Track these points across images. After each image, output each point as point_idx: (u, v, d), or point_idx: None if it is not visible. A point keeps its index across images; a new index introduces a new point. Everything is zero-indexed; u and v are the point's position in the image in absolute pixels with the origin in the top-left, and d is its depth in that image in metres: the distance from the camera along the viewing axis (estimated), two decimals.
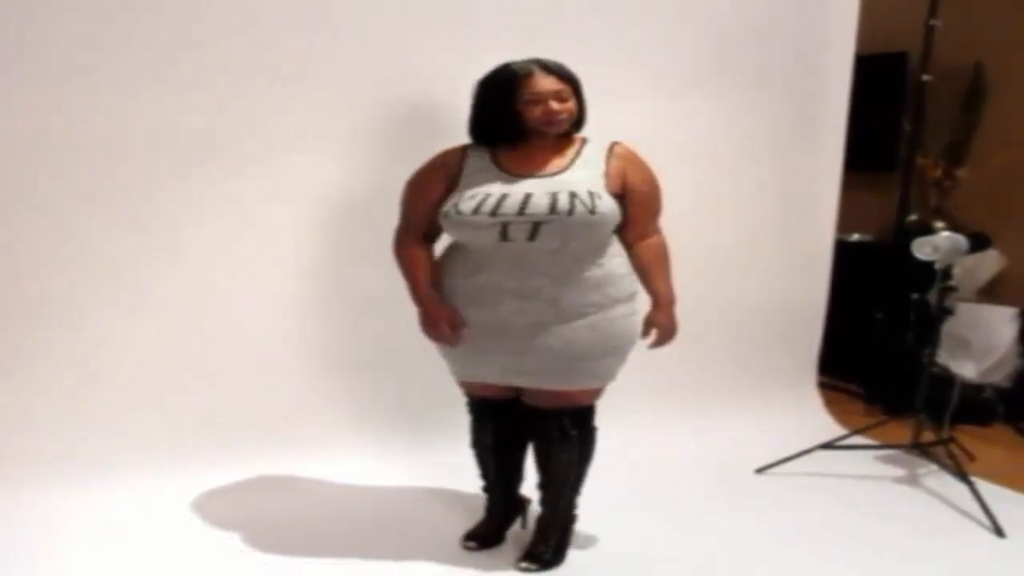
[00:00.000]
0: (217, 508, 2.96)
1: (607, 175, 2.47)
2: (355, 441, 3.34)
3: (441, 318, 2.52)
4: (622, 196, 2.48)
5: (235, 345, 3.18)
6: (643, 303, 2.60)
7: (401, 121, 3.21)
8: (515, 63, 2.45)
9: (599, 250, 2.47)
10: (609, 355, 2.52)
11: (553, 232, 2.38)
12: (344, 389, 3.37)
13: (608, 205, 2.41)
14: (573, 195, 2.38)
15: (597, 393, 2.60)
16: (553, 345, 2.45)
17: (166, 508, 2.92)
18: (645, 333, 2.57)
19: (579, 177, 2.44)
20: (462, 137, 2.57)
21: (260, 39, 3.03)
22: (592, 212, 2.37)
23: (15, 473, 2.90)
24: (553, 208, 2.36)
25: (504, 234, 2.40)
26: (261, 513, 2.94)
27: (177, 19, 2.92)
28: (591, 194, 2.39)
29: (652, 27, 3.57)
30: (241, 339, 3.18)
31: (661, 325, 2.57)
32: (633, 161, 2.52)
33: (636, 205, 2.50)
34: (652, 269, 2.55)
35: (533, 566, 2.66)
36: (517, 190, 2.42)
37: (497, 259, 2.44)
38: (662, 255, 2.57)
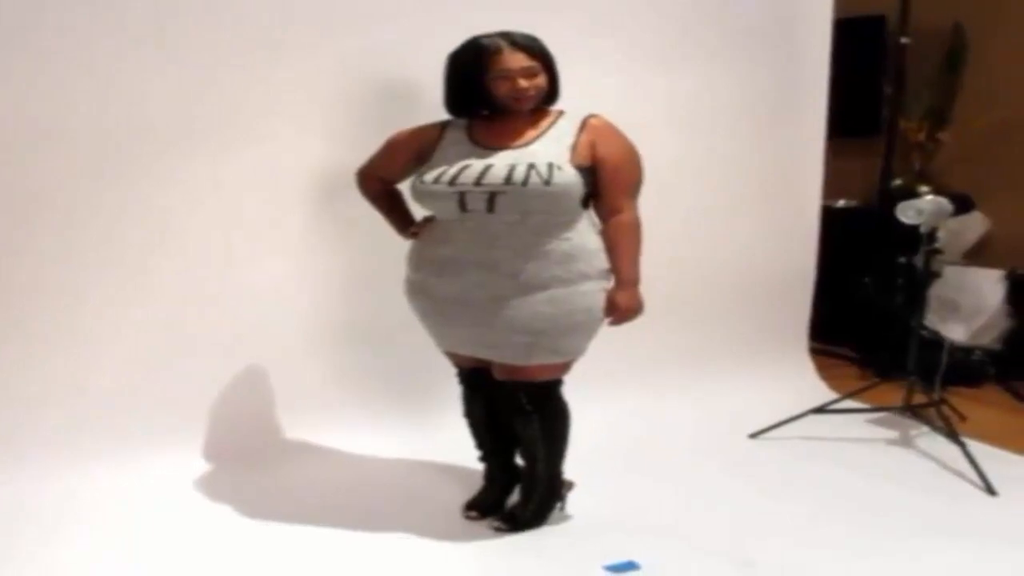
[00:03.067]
0: (217, 484, 2.98)
1: (575, 147, 2.45)
2: (352, 415, 3.33)
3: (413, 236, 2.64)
4: (592, 169, 2.46)
5: (230, 324, 3.17)
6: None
7: (385, 95, 3.19)
8: (484, 38, 2.44)
9: (565, 224, 2.45)
10: (571, 331, 2.48)
11: (509, 203, 2.38)
12: (340, 364, 3.36)
13: (567, 177, 2.38)
14: (531, 166, 2.37)
15: (558, 369, 2.57)
16: (512, 319, 2.43)
17: (167, 484, 2.94)
18: (606, 312, 2.52)
19: (544, 149, 2.43)
20: (444, 111, 2.57)
21: (240, 16, 3.02)
22: (547, 183, 2.35)
23: (21, 453, 2.92)
24: (509, 179, 2.36)
25: (463, 204, 2.41)
26: (262, 488, 2.96)
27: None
28: (550, 166, 2.37)
29: None
30: (236, 317, 3.18)
31: (618, 305, 2.50)
32: (604, 133, 2.49)
33: (604, 178, 2.47)
34: (617, 248, 2.50)
35: (505, 526, 2.70)
36: (480, 162, 2.42)
37: (461, 230, 2.46)
38: (629, 234, 2.50)
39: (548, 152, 2.42)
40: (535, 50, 2.44)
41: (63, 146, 2.89)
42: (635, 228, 2.51)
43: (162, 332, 3.10)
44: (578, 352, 2.56)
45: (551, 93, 2.51)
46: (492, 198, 2.38)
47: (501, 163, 2.40)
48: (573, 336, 2.50)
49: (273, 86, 3.08)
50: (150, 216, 3.03)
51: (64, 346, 2.99)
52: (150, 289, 3.07)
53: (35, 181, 2.89)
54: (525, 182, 2.35)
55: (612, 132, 2.50)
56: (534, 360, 2.49)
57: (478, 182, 2.39)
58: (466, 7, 3.05)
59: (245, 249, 3.17)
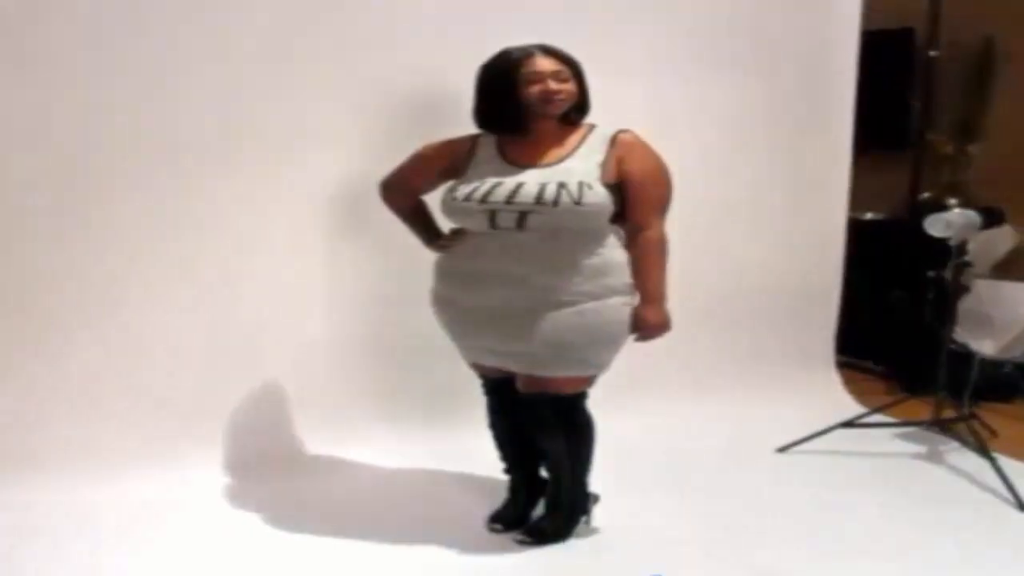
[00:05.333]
0: (241, 496, 2.99)
1: (604, 164, 2.45)
2: (376, 426, 3.34)
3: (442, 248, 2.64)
4: (621, 185, 2.46)
5: (255, 335, 3.20)
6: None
7: (413, 112, 3.21)
8: (515, 47, 2.47)
9: (596, 239, 2.45)
10: (597, 344, 2.48)
11: (540, 222, 2.39)
12: (364, 375, 3.38)
13: (598, 196, 2.39)
14: (562, 185, 2.38)
15: (583, 382, 2.56)
16: (539, 331, 2.44)
17: (190, 497, 2.95)
18: (633, 328, 2.51)
19: (575, 167, 2.44)
20: (470, 126, 2.58)
21: (272, 32, 3.06)
22: (578, 203, 2.36)
23: (44, 464, 2.94)
24: (539, 198, 2.37)
25: (493, 222, 2.42)
26: (285, 500, 2.96)
27: (185, 14, 2.96)
28: (581, 184, 2.38)
29: (656, 5, 3.57)
30: (261, 329, 3.21)
31: (644, 322, 2.50)
32: (633, 149, 2.48)
33: (630, 193, 2.47)
34: (641, 264, 2.49)
35: (529, 539, 2.69)
36: (511, 179, 2.43)
37: (491, 245, 2.47)
38: (654, 251, 2.48)
39: (578, 170, 2.42)
40: (566, 58, 2.47)
41: (87, 161, 2.93)
42: (661, 245, 2.50)
43: (186, 344, 3.13)
44: (603, 365, 2.55)
45: (581, 105, 2.52)
46: (522, 217, 2.39)
47: (532, 181, 2.41)
48: (599, 349, 2.50)
49: (303, 101, 3.11)
50: (177, 231, 3.07)
51: (88, 358, 3.02)
52: (175, 303, 3.10)
53: (58, 197, 2.93)
54: (556, 202, 2.36)
55: (641, 148, 2.50)
56: (559, 372, 2.49)
57: (509, 200, 2.40)
58: (492, 21, 3.09)
59: (271, 262, 3.20)
